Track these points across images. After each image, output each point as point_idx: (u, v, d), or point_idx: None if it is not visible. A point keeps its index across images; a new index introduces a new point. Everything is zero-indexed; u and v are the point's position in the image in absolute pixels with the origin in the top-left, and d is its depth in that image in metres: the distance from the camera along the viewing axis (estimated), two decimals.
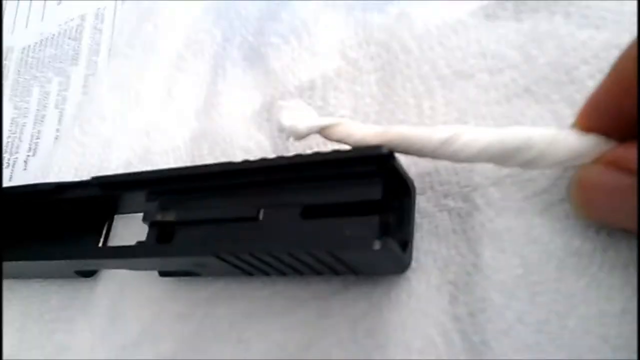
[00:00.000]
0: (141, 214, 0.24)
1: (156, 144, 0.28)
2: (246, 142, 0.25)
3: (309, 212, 0.20)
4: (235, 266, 0.21)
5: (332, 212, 0.20)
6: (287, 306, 0.22)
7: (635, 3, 0.20)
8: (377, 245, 0.17)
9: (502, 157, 0.17)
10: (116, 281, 0.26)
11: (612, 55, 0.19)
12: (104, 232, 0.27)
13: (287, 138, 0.21)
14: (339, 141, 0.20)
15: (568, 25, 0.21)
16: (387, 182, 0.19)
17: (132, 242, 0.23)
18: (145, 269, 0.24)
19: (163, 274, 0.24)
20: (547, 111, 0.20)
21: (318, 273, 0.21)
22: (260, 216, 0.21)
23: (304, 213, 0.20)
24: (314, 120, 0.20)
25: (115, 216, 0.27)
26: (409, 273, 0.20)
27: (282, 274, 0.21)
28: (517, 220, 0.19)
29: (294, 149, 0.24)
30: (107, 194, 0.25)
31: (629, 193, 0.15)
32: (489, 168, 0.20)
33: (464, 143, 0.17)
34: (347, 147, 0.19)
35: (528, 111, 0.20)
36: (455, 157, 0.18)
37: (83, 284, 0.26)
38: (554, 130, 0.17)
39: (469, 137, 0.17)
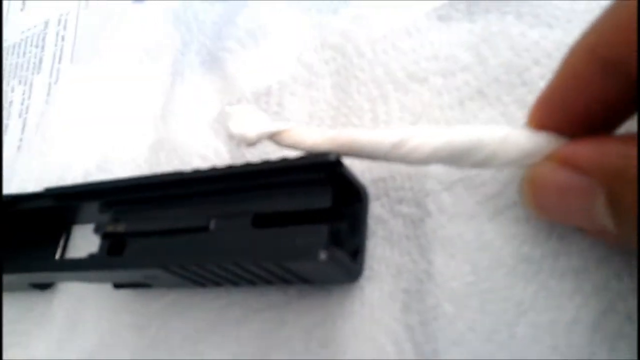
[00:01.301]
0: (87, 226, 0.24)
1: (115, 154, 0.28)
2: (203, 150, 0.25)
3: (260, 221, 0.20)
4: (186, 278, 0.20)
5: (283, 220, 0.19)
6: (241, 317, 0.21)
7: (586, 2, 0.20)
8: (322, 255, 0.17)
9: (454, 158, 0.17)
10: (72, 293, 0.25)
11: (564, 54, 0.19)
12: (61, 243, 0.26)
13: (238, 145, 0.21)
14: (290, 147, 0.19)
15: (520, 24, 0.20)
16: (337, 189, 0.19)
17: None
18: (99, 281, 0.24)
19: (117, 285, 0.23)
20: (499, 114, 0.20)
21: (270, 283, 0.20)
22: (211, 226, 0.20)
23: (254, 222, 0.20)
24: (264, 125, 0.19)
25: (75, 226, 0.27)
26: (363, 281, 0.20)
27: (234, 284, 0.21)
28: (468, 225, 0.19)
29: (250, 155, 0.23)
30: (61, 205, 0.24)
31: (581, 192, 0.14)
32: (442, 172, 0.20)
33: (415, 146, 0.17)
34: (298, 153, 0.19)
35: (481, 114, 0.20)
36: (406, 160, 0.17)
37: (39, 297, 0.26)
38: (505, 129, 0.16)
39: (419, 139, 0.17)
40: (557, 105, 0.16)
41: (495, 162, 0.16)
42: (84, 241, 0.26)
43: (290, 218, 0.19)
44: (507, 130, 0.16)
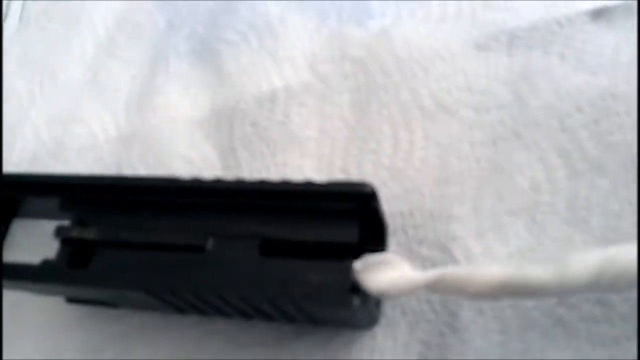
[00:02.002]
0: (47, 221, 0.20)
1: (73, 138, 0.24)
2: (188, 152, 0.22)
3: (268, 248, 0.17)
4: (167, 302, 0.17)
5: (296, 251, 0.17)
6: (223, 350, 0.19)
7: (633, 53, 0.19)
8: (356, 301, 0.15)
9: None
10: (9, 302, 0.21)
11: (607, 105, 0.18)
12: None
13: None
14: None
15: (563, 66, 0.19)
16: (363, 223, 0.17)
17: (34, 255, 0.18)
18: (50, 294, 0.20)
19: (71, 300, 0.20)
20: (536, 160, 0.18)
21: (269, 318, 0.18)
22: (208, 246, 0.17)
23: (262, 248, 0.17)
24: (413, 278, 0.15)
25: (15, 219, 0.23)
26: (375, 327, 0.18)
27: (224, 315, 0.18)
28: None
29: (246, 165, 0.21)
30: (6, 196, 0.20)
31: None
32: (469, 217, 0.18)
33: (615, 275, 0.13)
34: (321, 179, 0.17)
35: (515, 157, 0.19)
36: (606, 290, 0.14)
37: None
38: None
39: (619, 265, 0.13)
40: None
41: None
42: (28, 240, 0.22)
43: (303, 250, 0.17)
44: None
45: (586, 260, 0.13)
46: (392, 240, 0.19)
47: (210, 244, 0.17)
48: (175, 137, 0.22)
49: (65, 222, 0.19)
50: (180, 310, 0.18)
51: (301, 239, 0.17)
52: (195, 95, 0.23)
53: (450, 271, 0.15)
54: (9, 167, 0.23)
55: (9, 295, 0.21)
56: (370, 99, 0.20)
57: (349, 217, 0.17)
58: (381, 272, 0.15)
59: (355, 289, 0.15)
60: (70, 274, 0.18)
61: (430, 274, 0.15)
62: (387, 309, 0.18)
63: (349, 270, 0.16)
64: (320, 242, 0.17)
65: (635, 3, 0.20)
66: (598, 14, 0.20)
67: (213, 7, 0.24)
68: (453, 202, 0.19)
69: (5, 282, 0.19)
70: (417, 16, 0.21)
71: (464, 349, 0.17)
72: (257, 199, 0.17)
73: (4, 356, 0.20)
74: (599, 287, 0.14)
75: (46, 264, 0.18)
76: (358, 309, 0.15)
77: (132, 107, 0.23)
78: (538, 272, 0.14)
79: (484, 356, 0.16)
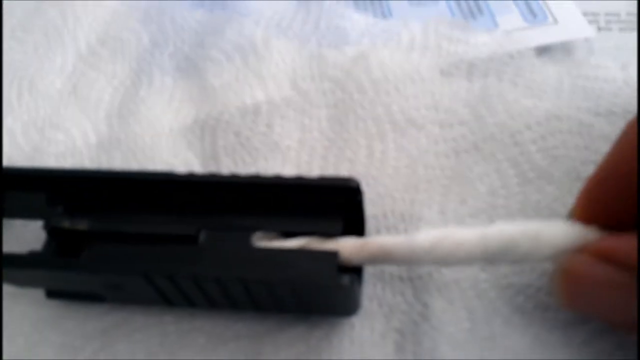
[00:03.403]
0: (28, 222, 0.20)
1: (51, 144, 0.24)
2: (171, 159, 0.23)
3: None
4: (161, 292, 0.18)
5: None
6: (208, 344, 0.19)
7: (572, 82, 0.22)
8: (345, 279, 0.16)
9: (488, 259, 0.16)
10: None
11: (551, 124, 0.21)
12: None
13: None
14: None
15: (514, 91, 0.22)
16: (346, 218, 0.18)
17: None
18: (32, 286, 0.20)
19: (52, 293, 0.20)
20: (493, 170, 0.21)
21: (256, 308, 0.19)
22: (202, 237, 0.18)
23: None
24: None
25: None
26: (352, 318, 0.19)
27: (215, 306, 0.19)
28: (464, 273, 0.19)
29: (228, 171, 0.22)
30: None
31: (620, 287, 0.14)
32: (436, 219, 0.20)
33: (448, 251, 0.16)
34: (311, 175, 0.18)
35: (475, 167, 0.21)
36: (441, 263, 0.17)
37: None
38: (536, 226, 0.16)
39: (451, 242, 0.16)
40: (604, 199, 0.16)
41: (529, 259, 0.16)
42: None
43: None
44: (539, 227, 0.16)
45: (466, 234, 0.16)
46: None
47: (203, 235, 0.18)
48: (158, 145, 0.23)
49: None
50: (169, 302, 0.19)
51: (291, 231, 0.18)
52: (179, 107, 0.24)
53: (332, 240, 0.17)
54: None
55: None
56: (347, 113, 0.22)
57: (334, 211, 0.18)
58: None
59: (343, 269, 0.17)
60: (65, 261, 0.18)
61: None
62: (365, 301, 0.19)
63: (336, 255, 0.17)
64: (307, 233, 0.18)
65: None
66: (542, 51, 0.23)
67: (199, 29, 0.26)
68: (422, 206, 0.21)
69: None
70: (390, 45, 0.24)
71: (436, 336, 0.18)
72: (248, 193, 0.18)
73: None
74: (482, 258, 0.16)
75: (36, 253, 0.19)
76: (349, 288, 0.16)
77: (113, 115, 0.24)
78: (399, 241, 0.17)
79: (454, 342, 0.18)
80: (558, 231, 0.16)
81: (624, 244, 0.14)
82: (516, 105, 0.22)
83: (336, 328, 0.19)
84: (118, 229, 0.19)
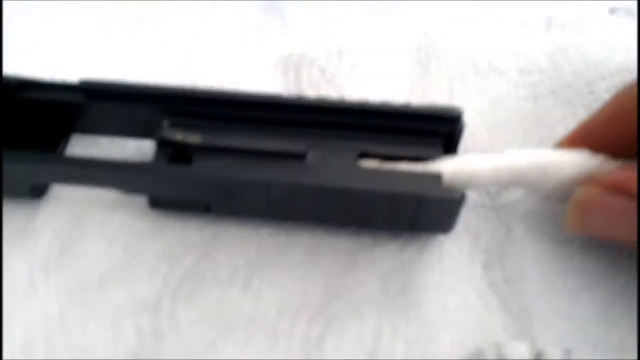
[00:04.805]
0: (115, 138, 0.22)
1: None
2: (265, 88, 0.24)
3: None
4: (272, 202, 0.19)
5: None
6: (305, 257, 0.20)
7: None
8: (457, 194, 0.18)
9: (511, 181, 0.19)
10: (69, 207, 0.22)
11: (623, 76, 0.23)
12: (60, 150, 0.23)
13: None
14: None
15: (590, 45, 0.24)
16: (445, 143, 0.20)
17: None
18: (139, 192, 0.21)
19: (156, 203, 0.21)
20: (569, 114, 0.22)
21: (358, 224, 0.20)
22: (309, 156, 0.19)
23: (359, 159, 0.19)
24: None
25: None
26: (440, 238, 0.20)
27: (316, 220, 0.20)
28: (545, 204, 0.21)
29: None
30: (84, 104, 0.21)
31: (631, 215, 0.16)
32: None
33: (466, 181, 0.18)
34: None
35: (553, 111, 0.23)
36: (467, 186, 0.19)
37: (27, 205, 0.22)
38: (545, 157, 0.18)
39: (467, 174, 0.18)
40: (598, 136, 0.19)
41: (539, 189, 0.19)
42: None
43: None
44: (548, 160, 0.18)
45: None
46: None
47: (311, 154, 0.19)
48: (242, 79, 0.24)
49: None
50: (274, 214, 0.20)
51: (393, 154, 0.19)
52: (264, 39, 0.25)
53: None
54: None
55: (71, 203, 0.22)
56: (429, 57, 0.24)
57: (434, 136, 0.20)
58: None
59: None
60: (180, 168, 0.19)
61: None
62: None
63: (438, 179, 0.18)
64: (409, 157, 0.19)
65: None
66: (613, 10, 0.25)
67: None
68: (502, 146, 0.22)
69: (108, 175, 0.19)
70: None
71: (521, 257, 0.20)
72: (354, 117, 0.20)
73: (70, 260, 0.21)
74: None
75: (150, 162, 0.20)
76: (459, 203, 0.18)
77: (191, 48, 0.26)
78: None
79: (538, 262, 0.20)
80: (565, 164, 0.18)
81: (629, 175, 0.16)
82: (591, 57, 0.23)
83: (427, 245, 0.20)
84: (229, 144, 0.20)
